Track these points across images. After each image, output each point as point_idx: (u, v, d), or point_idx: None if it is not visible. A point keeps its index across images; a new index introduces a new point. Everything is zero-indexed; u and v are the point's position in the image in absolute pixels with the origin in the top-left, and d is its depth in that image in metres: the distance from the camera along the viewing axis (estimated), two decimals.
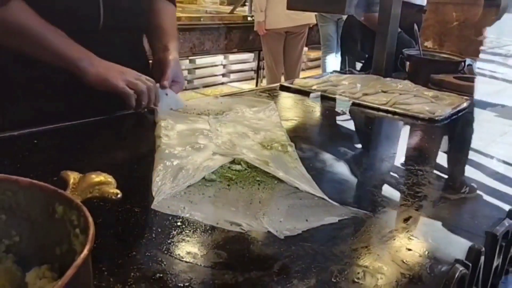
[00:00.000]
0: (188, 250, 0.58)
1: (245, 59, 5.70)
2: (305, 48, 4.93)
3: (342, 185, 0.85)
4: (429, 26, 3.67)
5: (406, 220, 0.70)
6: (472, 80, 1.57)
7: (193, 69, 5.20)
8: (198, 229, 0.63)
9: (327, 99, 1.34)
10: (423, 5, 2.25)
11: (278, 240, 0.62)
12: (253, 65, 5.80)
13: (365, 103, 1.29)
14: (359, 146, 1.12)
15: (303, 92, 1.40)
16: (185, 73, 4.92)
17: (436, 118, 1.20)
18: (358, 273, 0.56)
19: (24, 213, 0.45)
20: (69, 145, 0.88)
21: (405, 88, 1.38)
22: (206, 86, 5.34)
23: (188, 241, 0.60)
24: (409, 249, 0.62)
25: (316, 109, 1.28)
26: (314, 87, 1.40)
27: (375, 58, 1.62)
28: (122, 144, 0.93)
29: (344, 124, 1.25)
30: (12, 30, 0.90)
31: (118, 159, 0.84)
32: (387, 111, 1.26)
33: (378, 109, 1.27)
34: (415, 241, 0.64)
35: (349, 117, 1.27)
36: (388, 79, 1.49)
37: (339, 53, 4.87)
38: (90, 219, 0.38)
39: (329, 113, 1.27)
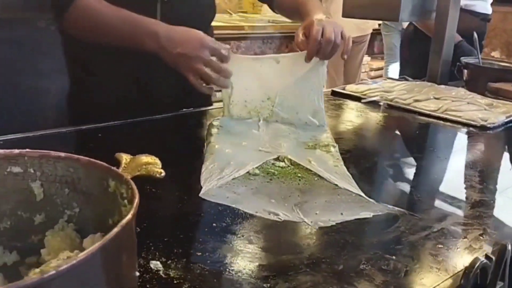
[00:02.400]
0: (228, 233, 0.63)
1: None
2: (368, 58, 4.89)
3: (383, 186, 0.87)
4: (496, 36, 3.55)
5: (441, 220, 0.71)
6: None
7: None
8: (239, 217, 0.68)
9: (377, 105, 1.35)
10: (487, 13, 2.19)
11: (311, 230, 0.65)
12: None
13: (415, 109, 1.29)
14: (404, 150, 1.13)
15: (354, 98, 1.42)
16: None
17: (488, 126, 1.18)
18: (386, 262, 0.58)
19: (83, 187, 0.52)
20: (128, 139, 0.96)
21: (458, 95, 1.36)
22: None
23: (228, 226, 0.65)
24: (440, 245, 0.63)
25: (365, 114, 1.30)
26: (365, 93, 1.41)
27: (430, 65, 1.61)
28: (177, 140, 1.00)
29: (392, 129, 1.26)
30: (92, 17, 0.98)
31: (173, 154, 0.91)
32: (437, 117, 1.25)
33: (428, 115, 1.27)
34: (448, 238, 0.65)
35: (397, 122, 1.28)
36: (442, 86, 1.48)
37: None
38: (136, 191, 0.44)
39: (377, 118, 1.28)
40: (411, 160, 1.03)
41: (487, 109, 1.28)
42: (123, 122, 1.04)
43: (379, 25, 4.47)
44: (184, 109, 1.17)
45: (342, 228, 0.66)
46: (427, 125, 1.24)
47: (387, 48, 4.81)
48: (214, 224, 0.65)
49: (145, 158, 0.55)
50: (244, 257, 0.58)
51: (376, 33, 4.58)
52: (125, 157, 0.56)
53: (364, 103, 1.37)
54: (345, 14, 1.67)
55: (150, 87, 1.10)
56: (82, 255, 0.34)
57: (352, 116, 1.30)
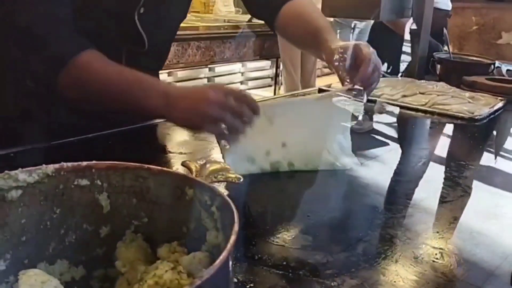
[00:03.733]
0: (282, 234, 0.64)
1: (263, 67, 5.78)
2: None
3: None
4: (449, 30, 3.71)
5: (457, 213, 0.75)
6: (503, 81, 1.62)
7: (212, 77, 5.29)
8: (289, 219, 0.69)
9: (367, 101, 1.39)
10: (448, 9, 2.30)
11: (358, 226, 0.68)
12: (270, 72, 5.88)
13: (405, 104, 1.35)
14: (404, 144, 1.18)
15: (343, 95, 1.46)
16: (205, 81, 5.00)
17: (476, 118, 1.25)
18: (436, 254, 0.61)
19: (153, 197, 0.52)
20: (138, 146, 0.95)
21: (441, 90, 1.43)
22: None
23: (281, 228, 0.66)
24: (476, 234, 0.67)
25: (359, 111, 1.34)
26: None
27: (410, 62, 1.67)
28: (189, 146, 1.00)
29: (386, 124, 1.31)
30: (90, 83, 0.83)
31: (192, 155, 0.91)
32: (426, 112, 1.31)
33: (418, 110, 1.32)
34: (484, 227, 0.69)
35: (390, 118, 1.32)
36: (422, 81, 1.55)
37: None
38: (228, 199, 0.44)
39: (370, 114, 1.32)
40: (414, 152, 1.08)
41: (471, 102, 1.35)
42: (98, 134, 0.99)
43: (331, 22, 4.58)
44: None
45: (382, 223, 0.69)
46: (421, 119, 1.30)
47: None
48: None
49: (217, 165, 0.55)
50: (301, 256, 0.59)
51: None
52: (194, 165, 0.56)
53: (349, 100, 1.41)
54: (325, 14, 1.71)
55: None
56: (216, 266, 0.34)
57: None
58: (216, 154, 0.88)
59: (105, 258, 0.53)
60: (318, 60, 4.60)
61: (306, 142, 0.88)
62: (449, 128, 1.25)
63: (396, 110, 1.34)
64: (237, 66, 5.50)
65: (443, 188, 0.84)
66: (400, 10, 1.62)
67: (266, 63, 5.73)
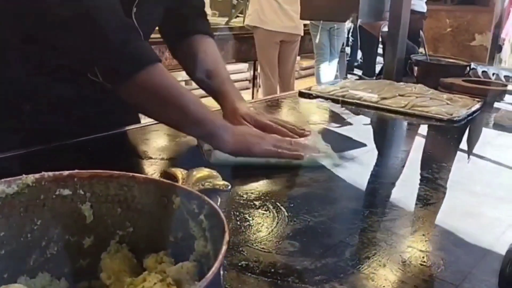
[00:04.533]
0: (267, 240, 0.63)
1: (240, 69, 5.77)
2: (298, 57, 5.02)
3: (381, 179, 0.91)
4: (424, 32, 3.75)
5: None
6: (479, 82, 1.65)
7: (190, 80, 5.25)
8: (273, 224, 0.68)
9: (347, 104, 1.40)
10: (424, 11, 2.33)
11: (343, 230, 0.68)
12: (247, 75, 5.88)
13: (384, 106, 1.36)
14: (384, 146, 1.19)
15: (323, 98, 1.46)
16: (183, 84, 4.97)
17: (455, 119, 1.27)
18: (423, 257, 0.62)
19: (138, 206, 0.50)
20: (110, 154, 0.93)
21: (420, 92, 1.45)
22: (203, 97, 5.38)
23: (266, 234, 0.65)
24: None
25: (340, 114, 1.34)
26: (333, 93, 1.46)
27: (386, 64, 1.69)
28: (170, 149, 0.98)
29: (367, 127, 1.32)
30: (158, 92, 0.84)
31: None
32: (405, 114, 1.32)
33: (397, 112, 1.33)
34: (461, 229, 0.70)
35: (371, 120, 1.33)
36: (401, 83, 1.57)
37: (333, 61, 4.99)
38: (217, 207, 0.43)
39: (351, 117, 1.33)
40: (395, 154, 1.09)
41: (449, 103, 1.37)
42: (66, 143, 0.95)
43: (306, 25, 4.60)
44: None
45: (367, 227, 0.69)
46: (400, 121, 1.31)
47: (317, 47, 4.96)
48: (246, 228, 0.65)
49: (203, 172, 0.54)
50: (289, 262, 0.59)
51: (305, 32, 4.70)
52: (180, 172, 0.54)
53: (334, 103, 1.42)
54: (303, 16, 1.72)
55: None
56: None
57: (327, 116, 1.34)
58: (198, 158, 0.87)
59: (88, 270, 0.51)
60: (296, 62, 4.64)
61: None
62: (428, 130, 1.27)
63: (377, 113, 1.35)
64: None
65: (423, 189, 0.84)
66: (378, 12, 1.64)
67: (243, 66, 5.72)
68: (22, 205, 0.48)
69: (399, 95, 1.41)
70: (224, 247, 0.37)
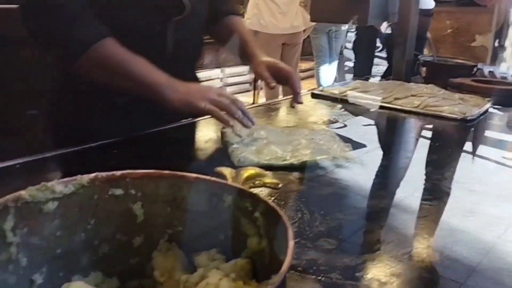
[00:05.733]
0: (303, 237, 0.65)
1: (241, 72, 5.79)
2: None
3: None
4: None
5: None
6: (487, 82, 1.67)
7: None
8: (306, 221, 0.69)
9: (360, 105, 1.42)
10: (430, 8, 2.34)
11: (375, 229, 0.69)
12: (248, 77, 5.90)
13: (398, 106, 1.37)
14: (396, 146, 1.20)
15: (334, 99, 1.48)
16: None
17: (468, 118, 1.28)
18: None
19: (188, 205, 0.51)
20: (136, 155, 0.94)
21: (432, 92, 1.46)
22: None
23: (300, 229, 0.66)
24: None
25: (353, 114, 1.36)
26: (345, 93, 1.47)
27: (395, 64, 1.71)
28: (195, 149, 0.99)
29: (381, 127, 1.33)
30: (107, 65, 0.94)
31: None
32: (419, 114, 1.34)
33: (410, 112, 1.35)
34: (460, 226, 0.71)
35: (385, 121, 1.35)
36: (412, 84, 1.58)
37: (332, 64, 5.00)
38: (274, 205, 0.44)
39: (364, 117, 1.34)
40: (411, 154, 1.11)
41: (461, 103, 1.39)
42: (120, 139, 0.99)
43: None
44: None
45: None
46: (415, 121, 1.32)
47: (316, 50, 4.97)
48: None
49: (252, 170, 0.55)
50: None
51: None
52: (228, 171, 0.55)
53: (346, 103, 1.43)
54: (313, 18, 1.73)
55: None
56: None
57: (340, 116, 1.35)
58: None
59: (138, 269, 0.52)
60: (299, 64, 4.65)
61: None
62: (442, 129, 1.28)
63: (390, 113, 1.37)
64: (215, 72, 5.50)
65: (442, 187, 0.86)
66: (386, 14, 1.65)
67: (245, 68, 5.74)
68: (77, 205, 0.49)
69: (412, 95, 1.42)
70: (291, 243, 0.38)
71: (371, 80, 1.83)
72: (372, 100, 1.42)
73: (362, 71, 2.84)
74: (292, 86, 1.13)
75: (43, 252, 0.47)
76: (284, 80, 1.14)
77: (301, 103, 1.13)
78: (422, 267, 0.61)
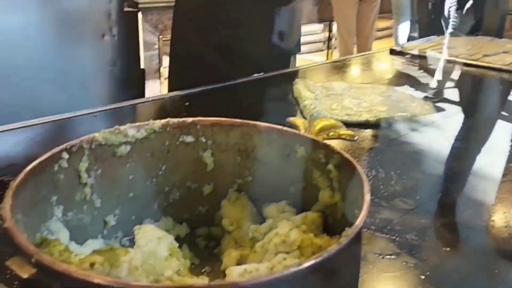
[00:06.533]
0: (377, 197, 0.61)
1: (314, 31, 5.65)
2: None
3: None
4: None
5: None
6: None
7: None
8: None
9: (445, 62, 1.32)
10: None
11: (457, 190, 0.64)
12: (322, 36, 5.75)
13: (486, 64, 1.26)
14: (487, 109, 1.11)
15: (414, 57, 1.39)
16: None
17: None
18: None
19: (258, 155, 0.50)
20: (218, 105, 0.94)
21: None
22: None
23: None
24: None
25: (435, 72, 1.27)
26: (425, 50, 1.38)
27: (487, 19, 1.57)
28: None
29: (466, 86, 1.24)
30: None
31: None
32: (510, 72, 1.23)
33: (501, 70, 1.24)
34: None
35: (470, 80, 1.25)
36: (504, 40, 1.45)
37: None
38: (349, 157, 0.41)
39: (448, 76, 1.25)
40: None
41: None
42: (205, 88, 1.00)
43: None
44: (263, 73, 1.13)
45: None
46: (508, 80, 1.22)
47: (396, 7, 4.70)
48: None
49: (327, 121, 0.52)
50: None
51: None
52: (301, 122, 0.53)
53: (425, 61, 1.34)
54: None
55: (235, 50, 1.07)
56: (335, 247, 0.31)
57: (423, 75, 1.27)
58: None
59: (207, 217, 0.52)
60: (376, 21, 4.44)
61: None
62: None
63: (477, 70, 1.26)
64: None
65: None
66: None
67: (318, 27, 5.58)
68: (149, 150, 0.49)
69: (504, 52, 1.30)
70: (367, 196, 0.35)
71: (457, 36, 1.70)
72: (455, 57, 1.32)
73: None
74: None
75: (116, 195, 0.48)
76: None
77: None
78: (501, 237, 0.56)
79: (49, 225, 0.39)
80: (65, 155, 0.42)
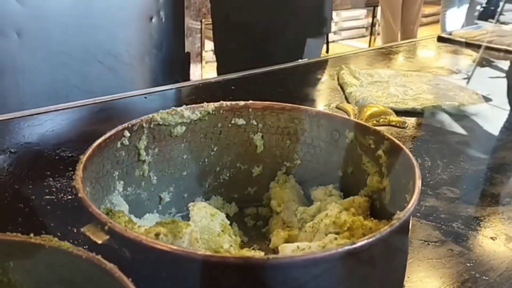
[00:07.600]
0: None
1: (357, 16, 5.55)
2: None
3: None
4: None
5: None
6: None
7: None
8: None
9: (493, 50, 1.29)
10: None
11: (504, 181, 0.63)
12: (365, 22, 5.64)
13: None
14: None
15: (462, 44, 1.35)
16: None
17: None
18: None
19: (307, 139, 0.51)
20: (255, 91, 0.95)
21: None
22: None
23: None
24: None
25: (485, 61, 1.24)
26: (478, 38, 1.34)
27: None
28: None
29: None
30: None
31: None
32: None
33: None
34: None
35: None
36: None
37: (462, 7, 4.57)
38: (400, 143, 0.42)
39: (498, 65, 1.22)
40: None
41: None
42: (250, 73, 1.01)
43: None
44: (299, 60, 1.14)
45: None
46: None
47: None
48: None
49: (376, 107, 0.53)
50: None
51: None
52: (351, 108, 0.54)
53: (474, 49, 1.30)
54: None
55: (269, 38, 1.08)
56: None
57: (471, 64, 1.24)
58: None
59: (256, 197, 0.54)
60: (423, 8, 4.33)
61: None
62: None
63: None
64: None
65: None
66: None
67: (361, 12, 5.48)
68: (202, 131, 0.51)
69: None
70: (419, 182, 0.36)
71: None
72: (506, 46, 1.28)
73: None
74: None
75: (170, 173, 0.50)
76: None
77: None
78: None
79: (111, 198, 0.42)
80: (127, 133, 0.44)
